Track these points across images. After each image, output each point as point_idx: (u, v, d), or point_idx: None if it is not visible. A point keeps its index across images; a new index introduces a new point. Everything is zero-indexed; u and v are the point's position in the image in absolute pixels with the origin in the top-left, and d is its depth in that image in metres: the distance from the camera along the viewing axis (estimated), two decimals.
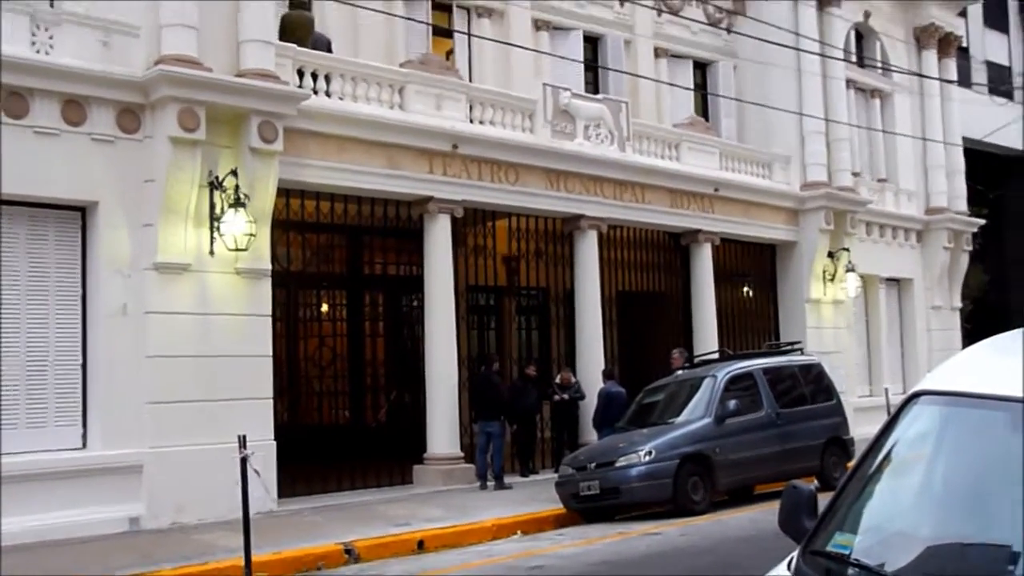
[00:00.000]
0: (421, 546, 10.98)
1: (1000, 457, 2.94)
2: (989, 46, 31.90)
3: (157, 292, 12.13)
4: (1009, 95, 30.67)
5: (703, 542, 10.59)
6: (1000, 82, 30.80)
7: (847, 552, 2.86)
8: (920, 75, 24.38)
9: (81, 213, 12.07)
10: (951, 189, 25.11)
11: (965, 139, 26.04)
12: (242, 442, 8.31)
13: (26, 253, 11.69)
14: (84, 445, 11.75)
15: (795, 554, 2.97)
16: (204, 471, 11.74)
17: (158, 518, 11.78)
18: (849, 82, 22.86)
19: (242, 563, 8.12)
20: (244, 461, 8.26)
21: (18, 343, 11.50)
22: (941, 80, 24.83)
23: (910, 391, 3.26)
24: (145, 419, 11.87)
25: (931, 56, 24.96)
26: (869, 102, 24.26)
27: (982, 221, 26.01)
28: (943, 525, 2.89)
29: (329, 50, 14.89)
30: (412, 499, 13.90)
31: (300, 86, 13.64)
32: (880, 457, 3.10)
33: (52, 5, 11.94)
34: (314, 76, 14.03)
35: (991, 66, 31.32)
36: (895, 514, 3.03)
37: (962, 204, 25.43)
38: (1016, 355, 3.17)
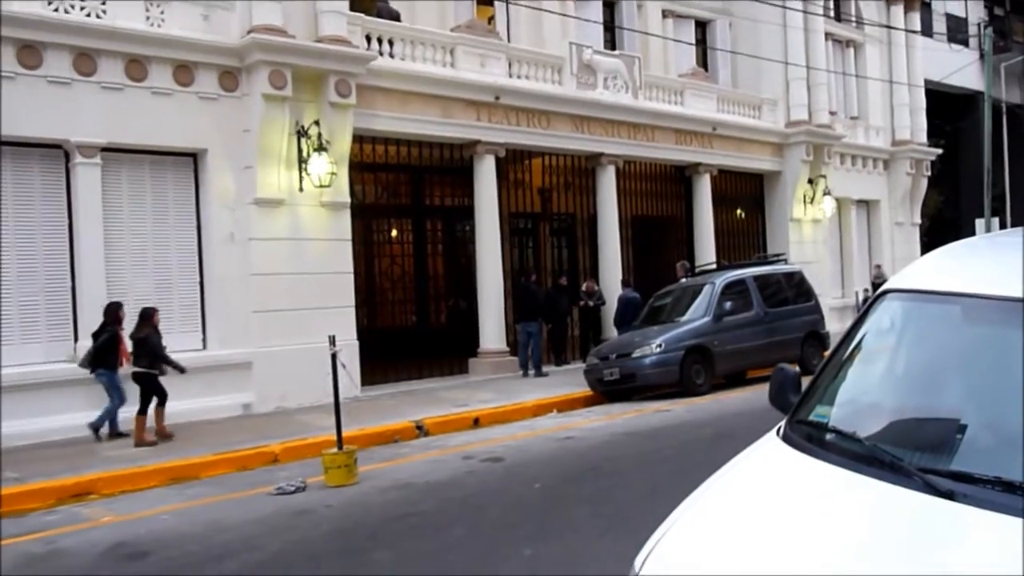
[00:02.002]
0: (477, 422, 11.14)
1: (953, 343, 2.91)
2: (948, 0, 30.74)
3: (258, 222, 12.22)
4: (965, 42, 29.65)
5: (705, 416, 10.65)
6: (957, 31, 29.75)
7: (826, 421, 2.86)
8: (888, 27, 23.62)
9: (193, 158, 12.12)
10: (913, 124, 24.55)
11: (926, 81, 25.36)
12: (332, 341, 8.39)
13: (151, 192, 11.80)
14: (204, 347, 11.98)
15: (783, 423, 2.97)
16: (301, 366, 11.95)
17: (265, 404, 12.05)
18: (827, 34, 22.19)
19: (334, 438, 8.28)
20: (334, 357, 8.35)
21: (147, 265, 11.68)
22: (906, 31, 24.09)
23: (879, 290, 3.23)
24: (252, 325, 12.06)
25: (898, 10, 24.15)
26: (844, 51, 23.58)
27: (939, 151, 25.54)
28: (905, 399, 2.87)
29: (397, 19, 14.67)
30: (468, 385, 14.07)
31: (368, 49, 13.47)
32: (854, 344, 3.08)
33: None
34: (379, 41, 13.85)
35: (950, 17, 30.19)
36: (866, 391, 3.01)
37: (922, 136, 24.87)
38: (965, 260, 3.12)
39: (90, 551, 6.23)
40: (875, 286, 20.32)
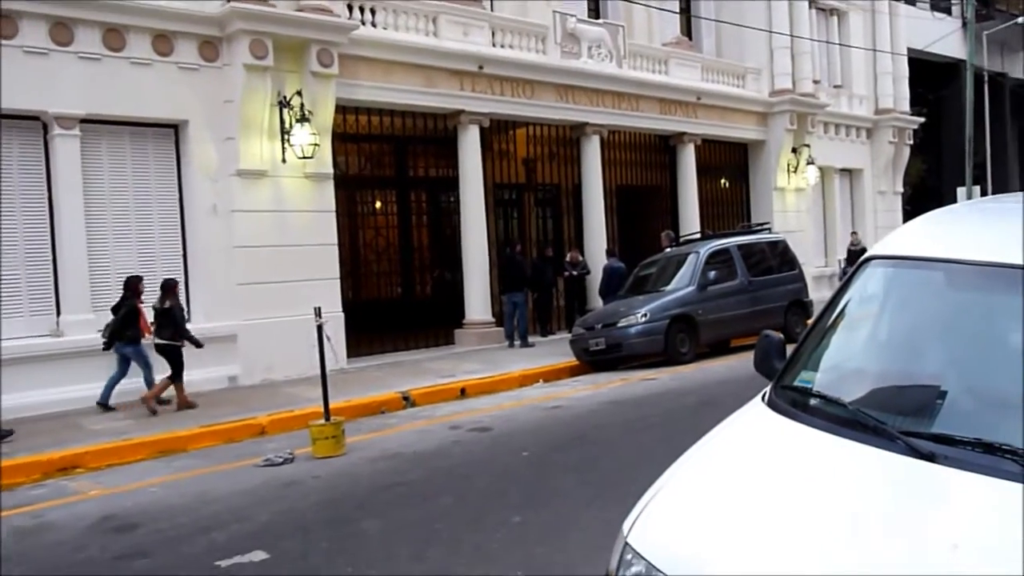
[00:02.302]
0: (463, 393, 11.19)
1: (936, 308, 2.94)
2: None
3: (240, 194, 12.14)
4: (948, 11, 29.62)
5: (689, 384, 10.73)
6: None
7: (810, 386, 2.88)
8: None
9: (174, 129, 11.99)
10: (896, 92, 24.57)
11: (909, 49, 25.34)
12: (317, 313, 8.39)
13: (131, 164, 11.69)
14: (189, 319, 11.89)
15: (768, 389, 3.00)
16: (286, 338, 11.94)
17: (251, 376, 12.04)
18: (811, 3, 22.12)
19: (321, 409, 8.30)
20: (319, 329, 8.35)
21: (130, 238, 11.60)
22: None
23: (863, 257, 3.26)
24: (237, 297, 12.01)
25: None
26: (828, 20, 23.51)
27: (922, 119, 25.57)
28: (889, 364, 2.91)
29: None
30: (454, 356, 14.10)
31: (350, 18, 13.32)
32: (838, 310, 3.11)
33: None
34: (361, 9, 13.70)
35: None
36: (850, 356, 3.04)
37: (905, 105, 24.92)
38: (947, 227, 3.15)
39: (78, 524, 6.24)
40: (852, 254, 20.42)
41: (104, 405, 10.26)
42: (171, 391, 10.38)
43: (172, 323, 10.24)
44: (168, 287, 10.37)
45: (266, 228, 12.30)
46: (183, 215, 12.03)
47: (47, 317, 10.88)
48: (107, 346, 10.22)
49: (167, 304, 10.25)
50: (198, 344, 10.44)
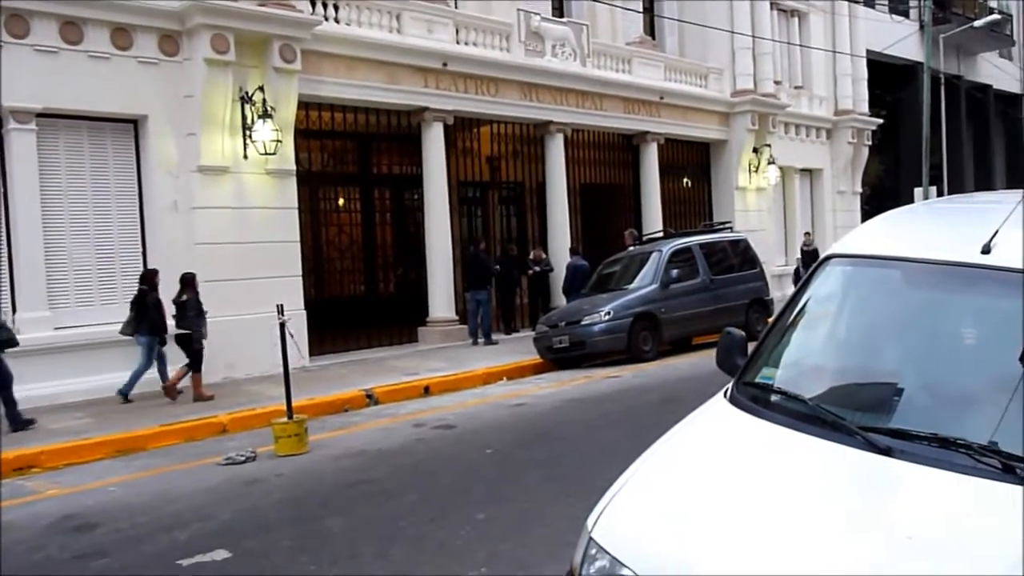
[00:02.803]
0: (427, 391, 11.18)
1: (893, 306, 3.01)
2: None
3: (201, 190, 12.00)
4: (905, 14, 30.12)
5: (652, 382, 10.82)
6: (898, 2, 30.20)
7: (771, 382, 2.93)
8: None
9: (133, 125, 11.82)
10: (855, 94, 24.96)
11: (868, 51, 25.74)
12: (280, 311, 8.34)
13: (89, 159, 11.50)
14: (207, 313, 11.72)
15: (730, 385, 3.05)
16: (248, 336, 11.82)
17: (213, 374, 11.86)
18: (772, 4, 22.38)
19: (284, 408, 8.24)
20: (282, 326, 8.30)
21: (88, 235, 11.41)
22: (849, 1, 24.41)
23: (823, 255, 3.32)
24: None
25: None
26: (789, 21, 23.79)
27: (880, 120, 25.97)
28: (848, 360, 2.97)
29: None
30: (417, 354, 14.07)
31: (313, 14, 13.22)
32: (798, 308, 3.16)
33: None
34: (324, 5, 13.59)
35: None
36: (810, 353, 3.10)
37: (864, 106, 25.31)
38: (904, 227, 3.23)
39: (35, 524, 6.14)
40: (804, 254, 20.66)
41: (125, 396, 10.47)
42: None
43: (185, 315, 10.56)
44: (187, 280, 10.68)
45: (227, 225, 12.17)
46: (142, 212, 11.85)
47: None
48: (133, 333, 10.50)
49: (184, 296, 10.57)
50: (203, 336, 10.70)
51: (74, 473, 7.83)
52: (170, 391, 10.54)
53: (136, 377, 10.50)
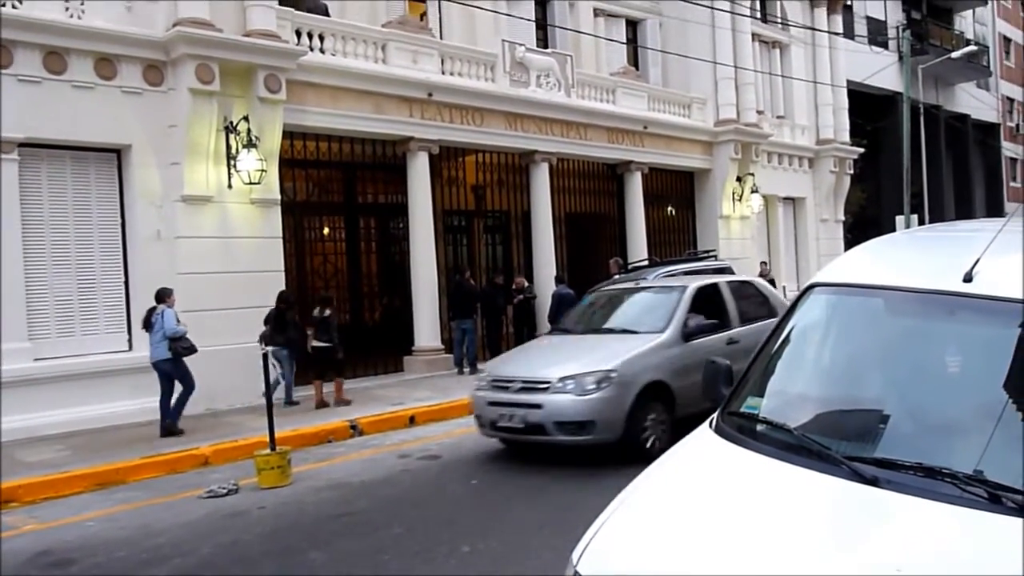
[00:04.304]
0: (412, 421, 11.08)
1: (876, 334, 3.02)
2: (870, 4, 31.70)
3: (185, 220, 11.94)
4: (885, 45, 30.63)
5: None
6: (878, 34, 30.72)
7: (757, 412, 2.93)
8: (813, 28, 24.25)
9: (116, 154, 11.77)
10: (837, 123, 25.22)
11: (849, 82, 26.10)
12: (262, 341, 8.28)
13: (72, 189, 11.43)
14: (130, 348, 11.64)
15: (715, 415, 3.04)
16: (231, 366, 11.71)
17: (195, 406, 11.69)
18: (754, 35, 22.66)
19: (267, 439, 8.16)
20: (265, 357, 8.25)
21: (70, 265, 11.33)
22: (829, 32, 24.76)
23: (805, 285, 3.32)
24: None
25: (822, 13, 24.81)
26: (771, 52, 24.10)
27: (861, 149, 26.28)
28: (832, 389, 2.97)
29: (327, 14, 14.49)
30: (403, 384, 13.97)
31: (298, 44, 13.27)
32: (782, 337, 3.16)
33: None
34: (310, 35, 13.65)
35: (870, 20, 31.16)
36: (794, 382, 3.10)
37: (845, 135, 25.58)
38: (887, 255, 3.24)
39: (12, 560, 6.02)
40: None
41: (291, 402, 11.82)
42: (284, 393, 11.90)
43: (328, 329, 11.89)
44: (327, 300, 12.27)
45: (211, 254, 12.11)
46: (125, 241, 11.78)
47: None
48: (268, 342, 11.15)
49: (327, 312, 11.99)
50: (337, 351, 11.94)
51: (53, 507, 7.69)
52: (319, 402, 11.74)
53: (289, 386, 11.90)
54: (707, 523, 2.41)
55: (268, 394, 8.25)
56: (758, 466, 2.58)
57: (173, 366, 10.22)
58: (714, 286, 9.76)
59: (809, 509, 2.35)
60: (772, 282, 19.44)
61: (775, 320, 9.04)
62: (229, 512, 6.96)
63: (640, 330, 8.71)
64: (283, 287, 12.96)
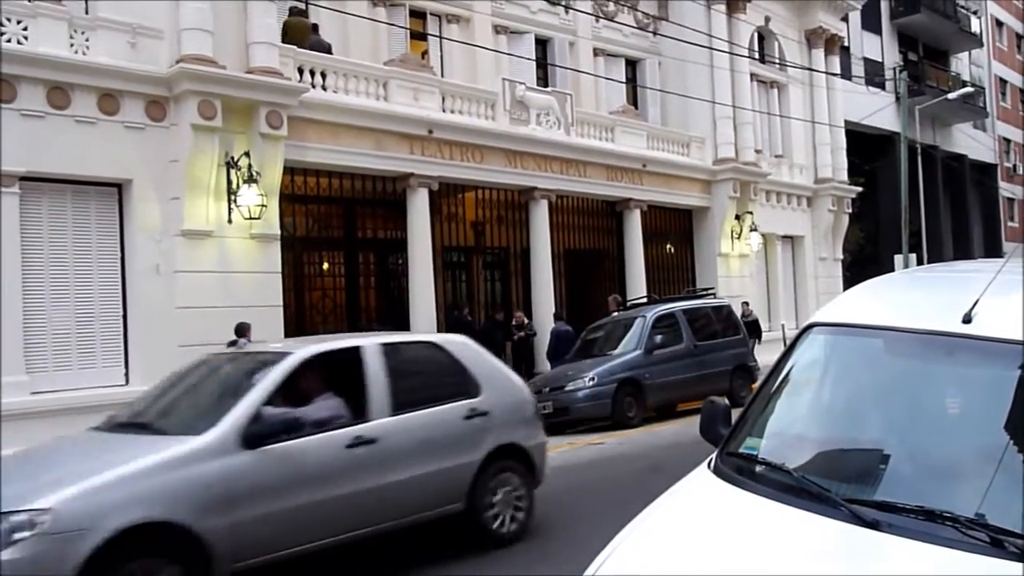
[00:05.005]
0: None
1: (876, 375, 3.00)
2: (866, 45, 32.09)
3: (184, 254, 11.96)
4: (882, 86, 30.90)
5: (637, 449, 10.71)
6: (875, 75, 31.02)
7: (755, 453, 2.90)
8: (810, 69, 24.47)
9: (117, 189, 11.82)
10: (835, 163, 25.32)
11: (846, 122, 26.26)
12: None
13: (72, 223, 11.46)
14: (127, 382, 11.60)
15: (714, 456, 3.01)
16: None
17: None
18: (752, 75, 22.86)
19: None
20: None
21: (68, 299, 11.32)
22: (827, 73, 24.99)
23: (804, 324, 3.31)
24: (177, 360, 11.63)
25: (819, 53, 25.06)
26: (769, 92, 24.30)
27: (859, 189, 26.35)
28: (832, 430, 2.94)
29: (329, 52, 14.63)
30: None
31: (300, 81, 13.39)
32: (781, 377, 3.14)
33: (87, 11, 11.61)
34: (312, 73, 13.78)
35: (867, 61, 31.49)
36: (794, 422, 3.07)
37: (843, 175, 25.67)
38: (886, 295, 3.23)
39: None
40: (746, 325, 18.03)
41: None
42: None
43: None
44: (459, 329, 12.31)
45: (210, 289, 12.11)
46: (124, 275, 11.79)
47: None
48: None
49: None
50: None
51: None
52: None
53: None
54: (704, 565, 2.37)
55: None
56: (756, 508, 2.55)
57: None
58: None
59: (808, 552, 2.32)
60: (756, 323, 19.34)
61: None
62: None
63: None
64: (281, 322, 12.96)
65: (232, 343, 10.71)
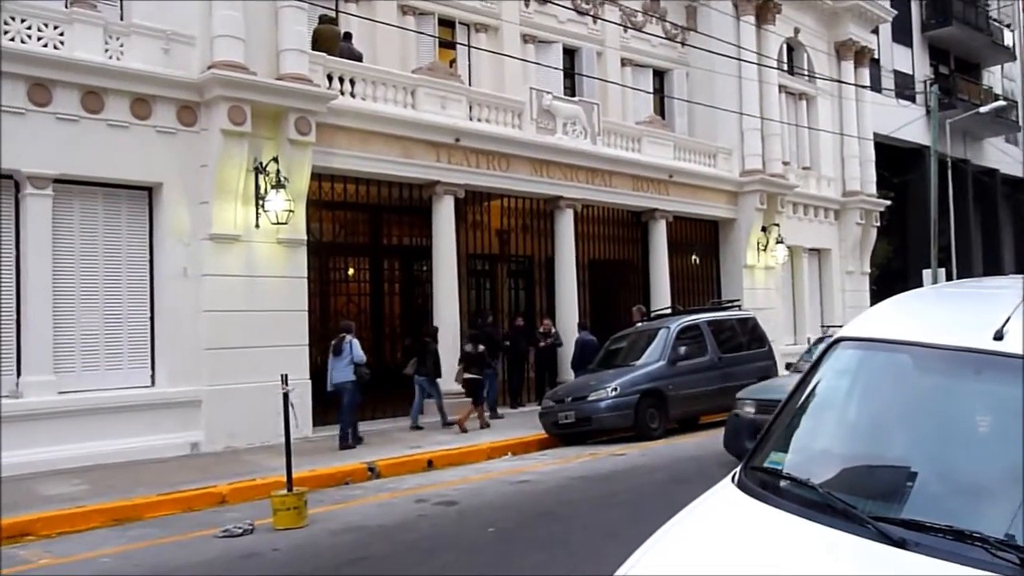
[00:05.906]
0: (430, 464, 11.02)
1: (903, 391, 2.95)
2: (896, 57, 31.81)
3: (212, 258, 12.07)
4: (912, 98, 30.65)
5: (659, 461, 10.63)
6: (904, 87, 30.75)
7: (780, 467, 2.86)
8: (839, 81, 24.32)
9: (148, 192, 11.97)
10: (863, 175, 25.12)
11: (875, 134, 26.06)
12: (284, 380, 8.28)
13: (103, 225, 11.62)
14: (153, 384, 11.73)
15: (737, 469, 2.98)
16: (252, 405, 11.74)
17: (214, 443, 11.80)
18: (781, 87, 22.75)
19: (284, 479, 8.12)
20: (286, 396, 8.23)
21: (97, 300, 11.45)
22: (856, 85, 24.82)
23: (832, 338, 3.27)
24: (203, 362, 11.84)
25: (848, 65, 24.89)
26: (797, 104, 24.16)
27: (888, 202, 26.13)
28: (858, 446, 2.90)
29: (359, 60, 14.73)
30: (422, 427, 13.91)
31: (329, 88, 13.49)
32: (808, 391, 3.11)
33: (122, 17, 11.78)
34: (340, 80, 13.88)
35: (897, 74, 31.23)
36: (819, 437, 3.03)
37: (872, 188, 25.46)
38: (915, 310, 3.18)
39: None
40: None
41: (416, 427, 13.43)
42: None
43: (479, 363, 13.73)
44: (479, 337, 14.10)
45: (236, 293, 12.21)
46: (152, 278, 11.92)
47: (7, 377, 10.63)
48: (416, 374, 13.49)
49: (479, 349, 13.80)
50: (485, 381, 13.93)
51: (68, 542, 7.68)
52: (462, 426, 13.11)
53: (441, 409, 13.56)
54: None
55: (287, 433, 8.22)
56: (781, 524, 2.51)
57: (354, 387, 11.95)
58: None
59: (832, 570, 2.28)
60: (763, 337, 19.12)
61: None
62: (244, 553, 6.91)
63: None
64: (306, 326, 13.02)
65: (340, 339, 12.06)
